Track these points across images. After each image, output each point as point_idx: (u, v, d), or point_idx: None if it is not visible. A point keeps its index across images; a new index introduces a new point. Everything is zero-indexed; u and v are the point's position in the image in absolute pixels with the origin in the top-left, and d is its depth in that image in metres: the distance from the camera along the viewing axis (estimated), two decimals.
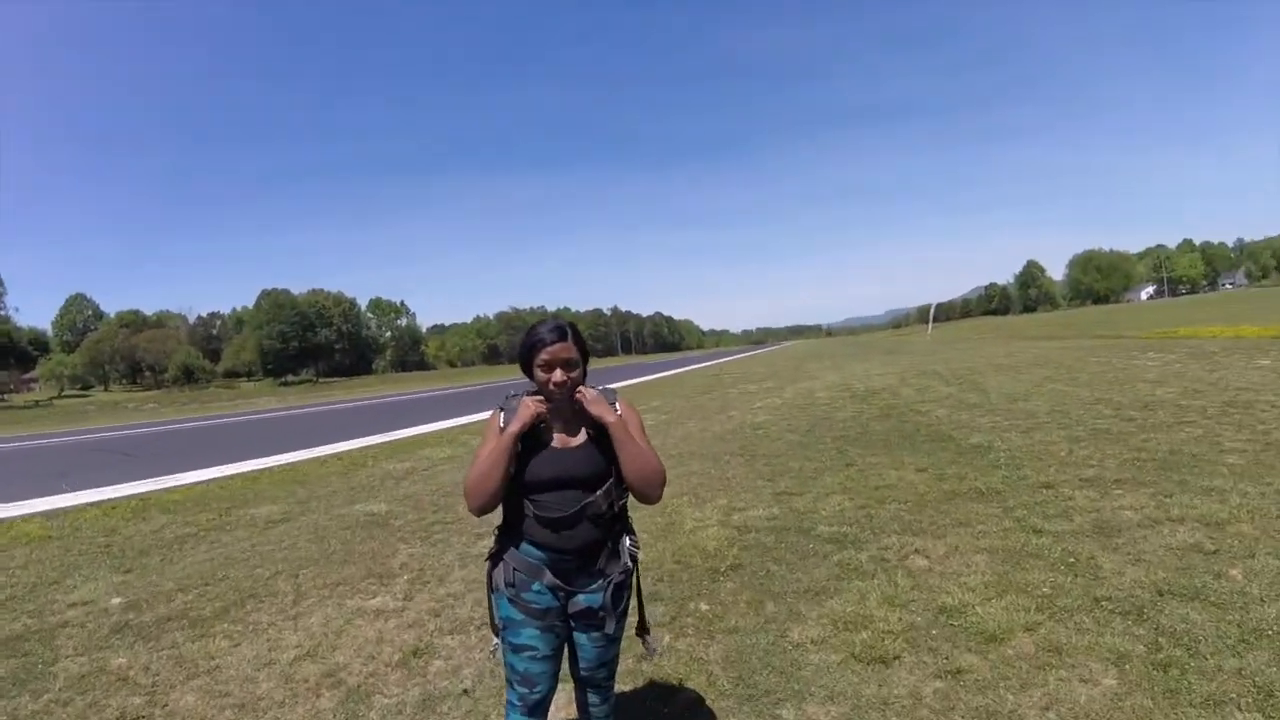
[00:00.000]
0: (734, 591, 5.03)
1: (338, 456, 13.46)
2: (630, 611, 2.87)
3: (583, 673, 2.89)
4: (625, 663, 4.12)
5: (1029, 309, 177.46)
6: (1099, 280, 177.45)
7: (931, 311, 77.95)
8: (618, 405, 2.75)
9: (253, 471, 12.30)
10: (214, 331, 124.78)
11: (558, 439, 2.70)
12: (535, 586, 2.68)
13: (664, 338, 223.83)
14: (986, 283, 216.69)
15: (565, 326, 2.68)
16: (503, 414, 2.72)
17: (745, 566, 5.47)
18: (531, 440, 2.66)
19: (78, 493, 10.94)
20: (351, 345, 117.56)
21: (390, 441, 15.12)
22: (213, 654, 4.74)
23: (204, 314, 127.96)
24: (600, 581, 2.71)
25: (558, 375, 2.61)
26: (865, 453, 8.94)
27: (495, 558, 2.80)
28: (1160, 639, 3.74)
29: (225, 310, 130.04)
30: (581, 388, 2.68)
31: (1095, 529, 5.36)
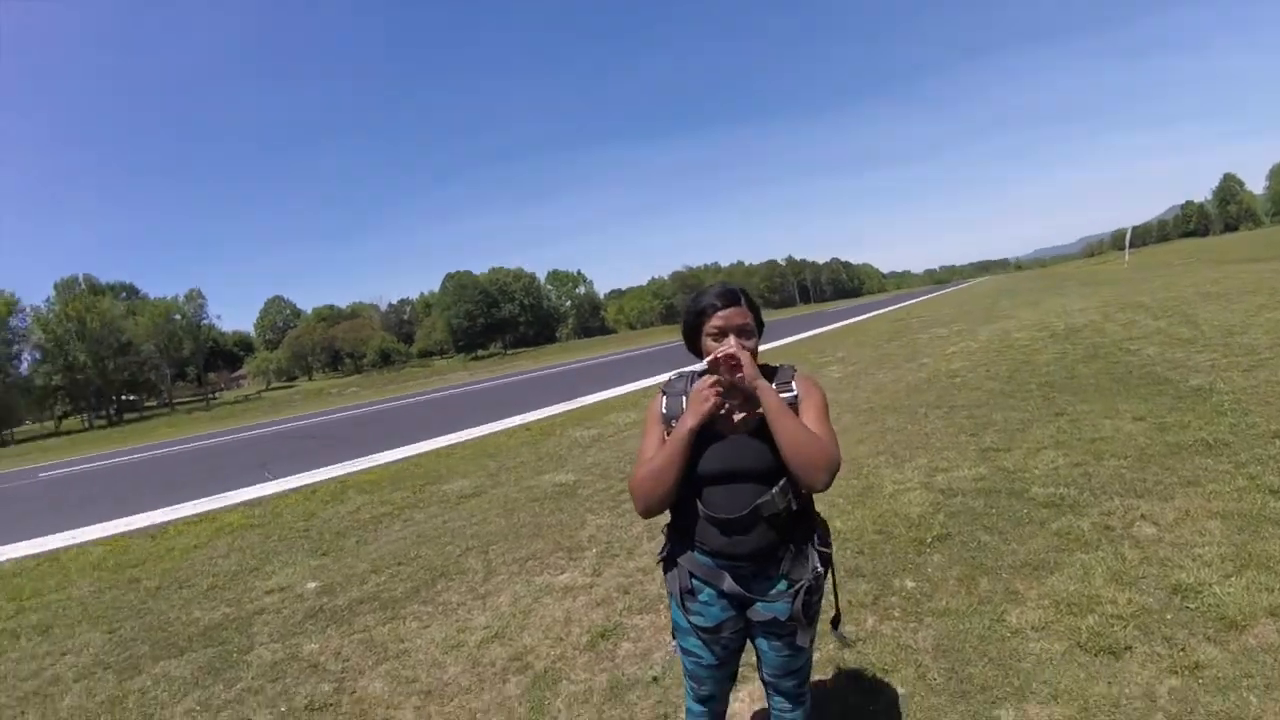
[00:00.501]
0: (943, 566, 4.57)
1: (525, 427, 13.67)
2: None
3: (768, 678, 2.59)
4: (826, 648, 3.82)
5: (1230, 227, 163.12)
6: None
7: (1128, 237, 72.77)
8: (794, 383, 2.36)
9: (446, 447, 12.67)
10: (405, 316, 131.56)
11: (729, 426, 2.31)
12: (704, 596, 2.40)
13: (842, 284, 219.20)
14: (1182, 201, 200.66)
15: (736, 291, 2.32)
16: (665, 399, 2.43)
17: (953, 536, 4.97)
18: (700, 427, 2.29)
19: (280, 480, 11.49)
20: (534, 317, 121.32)
21: (576, 409, 15.21)
22: (402, 637, 4.73)
23: (394, 301, 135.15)
24: (785, 587, 2.36)
25: (731, 341, 2.24)
26: (1075, 400, 8.13)
27: (668, 561, 2.50)
28: None
29: (414, 296, 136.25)
30: (741, 354, 2.24)
31: None
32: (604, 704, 3.63)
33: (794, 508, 2.31)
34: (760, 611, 2.37)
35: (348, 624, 5.06)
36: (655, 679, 3.76)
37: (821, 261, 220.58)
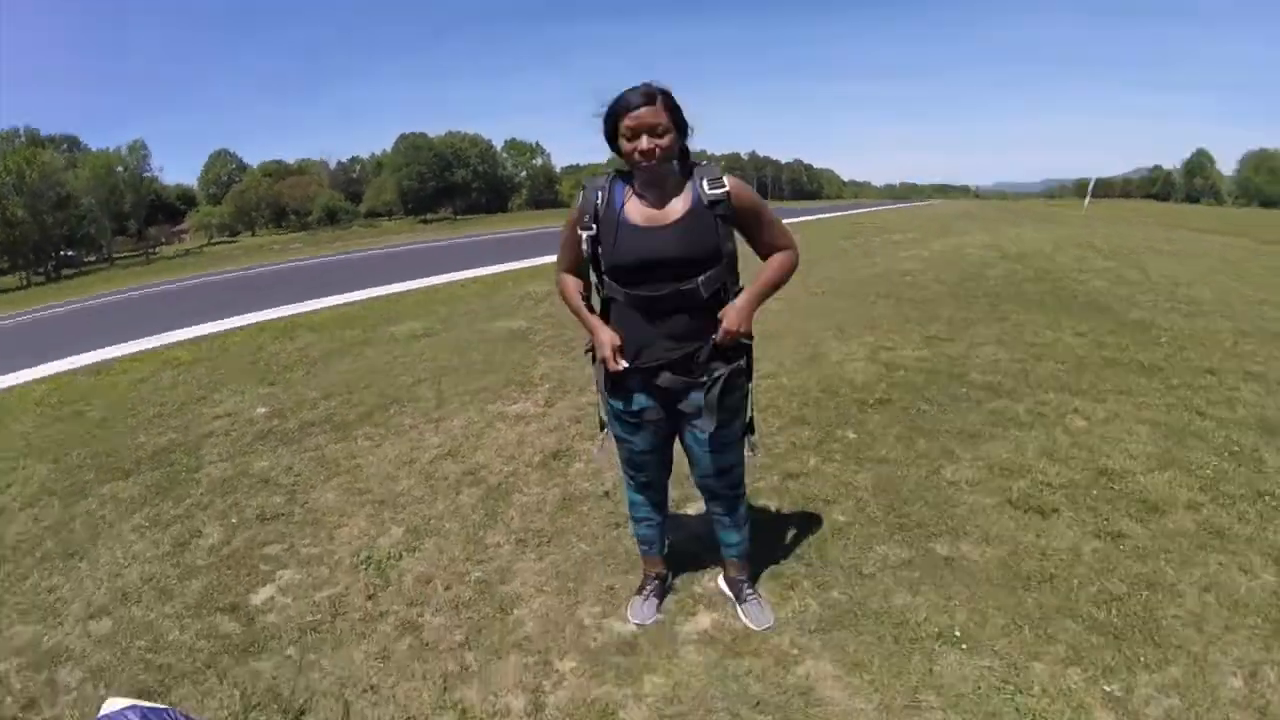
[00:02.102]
0: (883, 424, 4.72)
1: (477, 280, 13.51)
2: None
3: (698, 480, 2.75)
4: (770, 479, 3.98)
5: (1192, 199, 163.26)
6: (1270, 183, 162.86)
7: (1091, 185, 72.91)
8: (725, 179, 2.36)
9: (396, 294, 12.50)
10: (355, 175, 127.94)
11: (644, 215, 2.35)
12: (628, 383, 2.51)
13: (802, 185, 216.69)
14: (1151, 165, 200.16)
15: (655, 91, 2.25)
16: (583, 193, 2.47)
17: (895, 402, 5.12)
18: (612, 217, 2.37)
19: (226, 319, 11.28)
20: (487, 184, 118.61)
21: (528, 267, 15.03)
22: (354, 454, 4.76)
23: (344, 160, 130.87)
24: (703, 378, 2.45)
25: (644, 143, 2.22)
26: (1019, 309, 8.23)
27: (594, 351, 2.56)
28: None
29: (365, 155, 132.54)
30: (729, 318, 2.38)
31: (1260, 424, 4.75)
32: (556, 513, 3.70)
33: (720, 299, 2.42)
34: (682, 401, 2.49)
35: (298, 444, 5.06)
36: (606, 494, 3.84)
37: (784, 161, 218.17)
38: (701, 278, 2.32)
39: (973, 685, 2.52)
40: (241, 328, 10.29)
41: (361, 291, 12.98)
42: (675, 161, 2.34)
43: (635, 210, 2.35)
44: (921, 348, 6.54)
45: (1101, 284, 10.43)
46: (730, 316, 2.38)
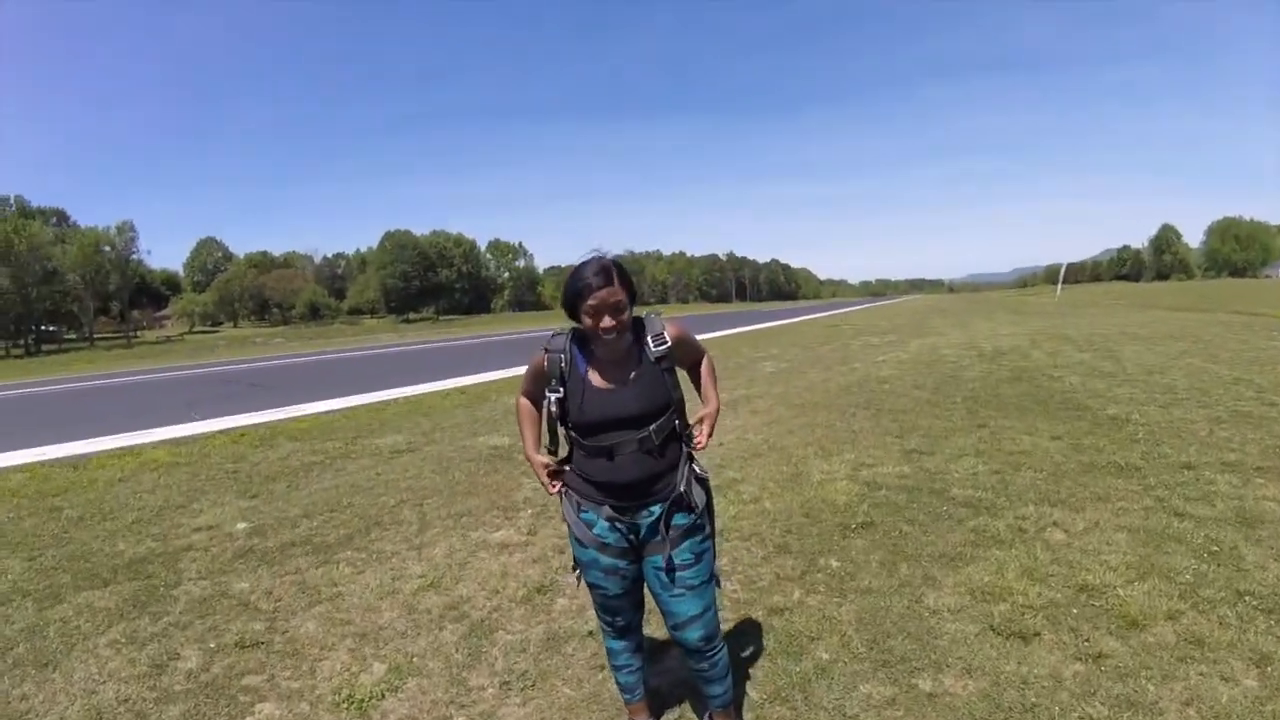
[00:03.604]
0: (866, 550, 4.80)
1: (460, 390, 13.62)
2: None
3: (671, 631, 2.81)
4: (755, 613, 4.02)
5: (1162, 276, 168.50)
6: (1237, 251, 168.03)
7: (1062, 273, 74.81)
8: (665, 332, 2.64)
9: (378, 403, 12.57)
10: (339, 271, 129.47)
11: (604, 380, 2.59)
12: (597, 529, 2.68)
13: (780, 286, 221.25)
14: (1119, 245, 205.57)
15: (610, 268, 2.47)
16: (546, 357, 2.65)
17: (877, 525, 5.21)
18: (577, 381, 2.60)
19: (207, 421, 11.30)
20: (471, 285, 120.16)
21: (512, 376, 15.15)
22: (336, 581, 4.73)
23: (329, 255, 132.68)
24: (659, 508, 2.63)
25: (606, 322, 2.46)
26: (997, 415, 8.50)
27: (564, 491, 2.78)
28: None
29: (350, 251, 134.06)
30: (699, 429, 2.71)
31: (1238, 518, 4.97)
32: (540, 653, 3.69)
33: (673, 437, 2.65)
34: (640, 530, 2.65)
35: (279, 565, 5.03)
36: (591, 633, 3.83)
37: (761, 261, 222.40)
38: (654, 425, 2.55)
39: None
40: (224, 430, 10.27)
41: (344, 399, 13.05)
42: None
43: (596, 374, 2.58)
44: (902, 463, 6.70)
45: (1076, 379, 10.78)
46: (705, 427, 2.71)
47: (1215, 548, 4.47)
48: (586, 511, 2.66)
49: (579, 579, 2.83)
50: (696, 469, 2.71)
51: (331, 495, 6.64)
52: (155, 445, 9.45)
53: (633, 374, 2.57)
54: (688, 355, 2.79)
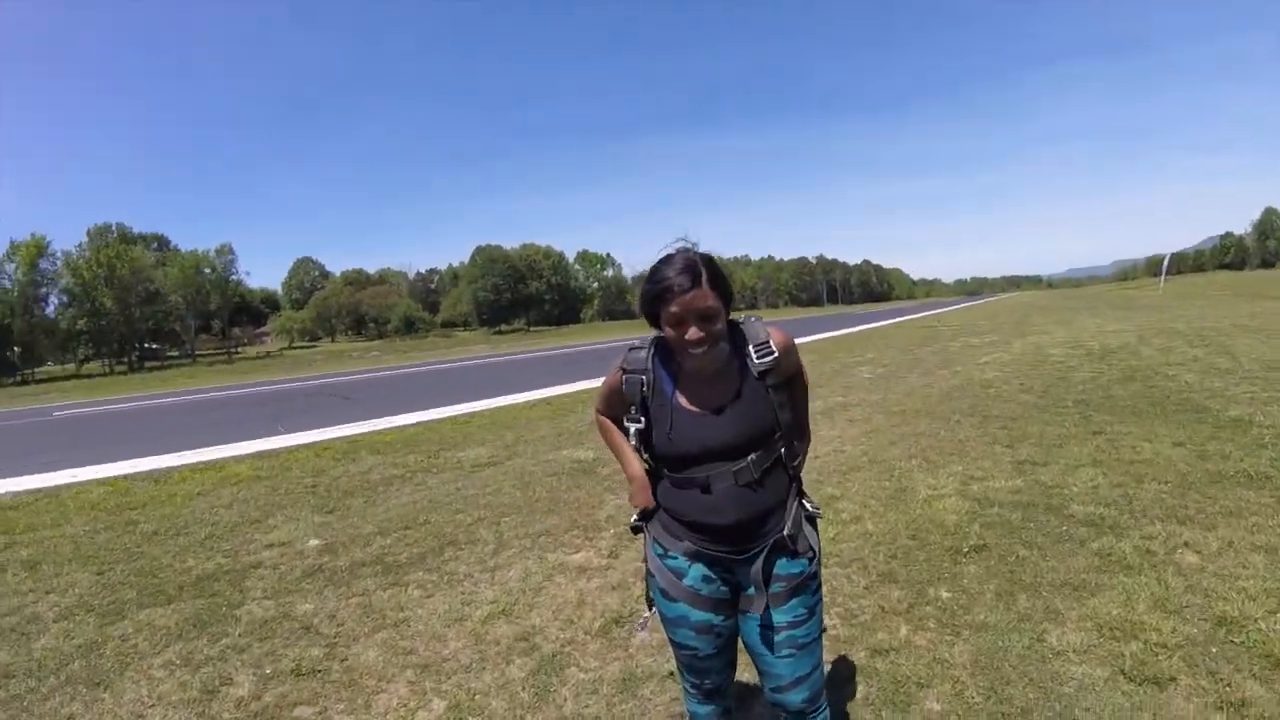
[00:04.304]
0: (979, 578, 4.25)
1: (546, 401, 13.43)
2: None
3: (771, 694, 2.26)
4: (857, 654, 3.53)
5: (1267, 263, 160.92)
6: None
7: (1165, 263, 71.91)
8: (772, 342, 2.11)
9: (464, 415, 12.45)
10: (432, 286, 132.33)
11: (696, 403, 2.10)
12: (689, 574, 2.18)
13: (871, 287, 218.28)
14: (1221, 232, 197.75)
15: (697, 264, 1.95)
16: (625, 379, 2.18)
17: (991, 548, 4.65)
18: (664, 406, 2.12)
19: (292, 435, 11.30)
20: (560, 296, 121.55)
21: (597, 387, 14.93)
22: (403, 605, 4.46)
23: (422, 270, 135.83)
24: (763, 551, 2.13)
25: (693, 333, 1.95)
26: (1113, 420, 7.82)
27: (641, 526, 2.32)
28: None
29: (442, 267, 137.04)
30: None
31: None
32: (614, 695, 3.31)
33: (777, 471, 2.16)
34: (738, 580, 2.18)
35: (346, 586, 4.79)
36: (671, 674, 3.43)
37: (852, 263, 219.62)
38: (754, 455, 2.07)
39: None
40: (308, 444, 10.25)
41: (429, 411, 12.96)
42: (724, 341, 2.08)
43: (686, 396, 2.11)
44: (1014, 476, 6.13)
45: (1192, 377, 10.06)
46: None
47: None
48: (674, 557, 2.19)
49: (652, 615, 2.33)
50: (807, 505, 2.23)
51: (408, 511, 6.42)
52: (238, 459, 9.46)
53: (732, 394, 2.08)
54: (790, 367, 2.23)
